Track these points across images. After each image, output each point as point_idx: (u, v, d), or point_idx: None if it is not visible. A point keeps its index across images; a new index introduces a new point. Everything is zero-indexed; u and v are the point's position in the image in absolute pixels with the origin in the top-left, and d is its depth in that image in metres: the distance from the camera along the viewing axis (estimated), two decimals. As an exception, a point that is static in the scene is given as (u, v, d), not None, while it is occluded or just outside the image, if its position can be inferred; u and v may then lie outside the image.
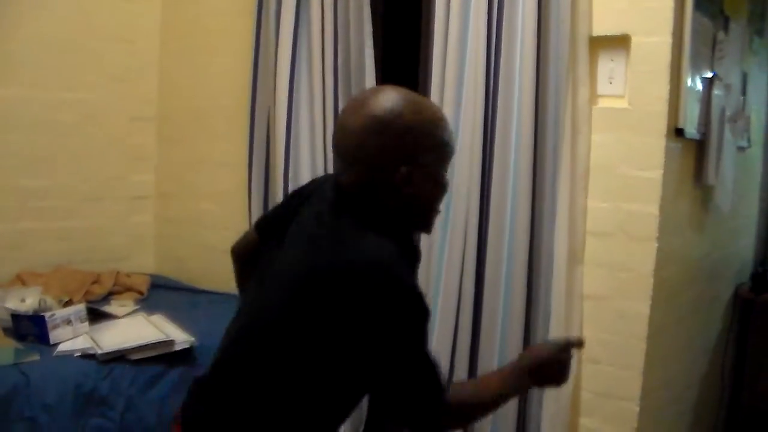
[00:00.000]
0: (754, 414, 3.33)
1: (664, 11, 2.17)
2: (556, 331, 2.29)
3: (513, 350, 2.38)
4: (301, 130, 2.93)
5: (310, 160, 2.93)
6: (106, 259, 3.54)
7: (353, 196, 1.44)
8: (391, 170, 1.40)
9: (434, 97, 2.50)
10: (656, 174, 2.19)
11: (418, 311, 1.36)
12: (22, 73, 3.26)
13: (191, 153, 3.60)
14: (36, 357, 2.45)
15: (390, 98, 1.42)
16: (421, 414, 1.40)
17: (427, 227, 1.56)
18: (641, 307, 2.25)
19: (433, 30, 2.51)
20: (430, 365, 1.38)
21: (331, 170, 2.91)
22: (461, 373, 2.51)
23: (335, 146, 1.48)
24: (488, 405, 1.53)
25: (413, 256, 1.52)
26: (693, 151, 2.49)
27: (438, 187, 1.50)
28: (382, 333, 1.33)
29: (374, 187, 1.42)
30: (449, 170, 1.57)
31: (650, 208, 2.20)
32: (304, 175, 2.93)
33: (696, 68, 2.36)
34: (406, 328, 1.35)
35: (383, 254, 1.35)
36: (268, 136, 3.07)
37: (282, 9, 2.96)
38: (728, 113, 2.66)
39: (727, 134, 2.64)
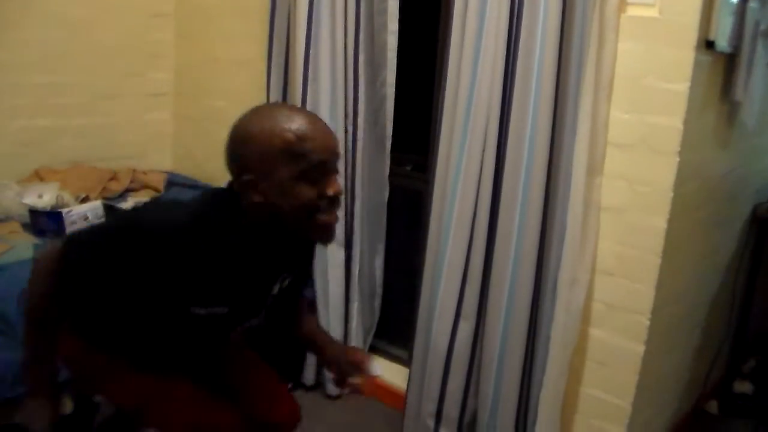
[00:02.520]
0: (762, 335, 3.36)
1: None
2: (571, 241, 2.28)
3: (527, 259, 2.39)
4: (321, 28, 2.87)
5: (330, 59, 2.88)
6: (123, 156, 3.55)
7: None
8: (237, 177, 1.53)
9: (458, 4, 2.43)
10: (683, 87, 2.14)
11: (128, 231, 1.53)
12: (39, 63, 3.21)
13: (209, 51, 3.55)
14: (54, 252, 2.47)
15: (252, 110, 1.57)
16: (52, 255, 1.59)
17: (306, 235, 1.61)
18: (658, 222, 2.23)
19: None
20: (96, 247, 1.55)
21: (350, 68, 2.88)
22: (475, 279, 2.53)
23: None
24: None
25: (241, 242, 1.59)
26: (722, 65, 2.42)
27: (288, 198, 1.51)
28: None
29: (236, 191, 1.56)
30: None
31: (674, 122, 2.16)
32: (323, 74, 2.89)
33: (731, -22, 2.27)
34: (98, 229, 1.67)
35: (175, 211, 1.56)
36: (288, 35, 3.01)
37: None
38: (762, 27, 2.57)
39: (760, 49, 2.56)
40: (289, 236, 1.62)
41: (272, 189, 1.51)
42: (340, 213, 2.95)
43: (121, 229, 1.55)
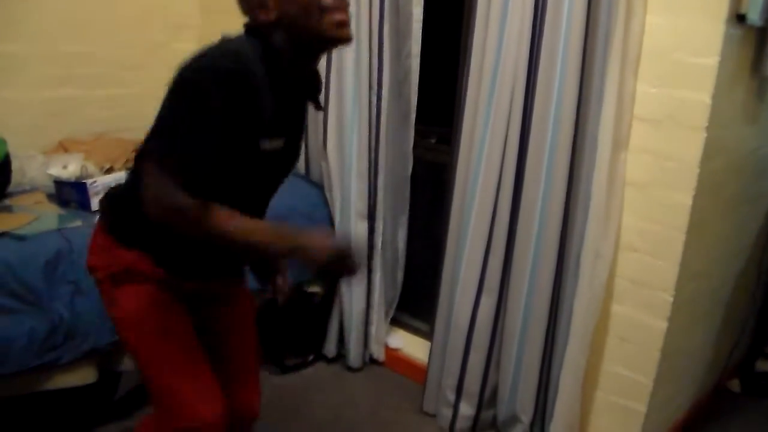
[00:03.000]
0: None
1: None
2: (595, 215, 2.26)
3: (550, 233, 2.38)
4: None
5: (355, 30, 2.85)
6: (147, 126, 3.53)
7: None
8: (248, 9, 1.61)
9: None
10: (712, 61, 2.10)
11: (204, 76, 1.43)
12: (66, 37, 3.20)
13: (234, 22, 3.51)
14: (78, 223, 2.50)
15: None
16: (159, 182, 1.47)
17: (323, 37, 1.57)
18: (684, 198, 2.21)
19: None
20: (198, 141, 1.44)
21: (375, 39, 2.86)
22: (498, 252, 2.53)
23: None
24: (239, 241, 1.55)
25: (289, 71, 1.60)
26: (753, 39, 2.37)
27: (294, 4, 1.54)
28: (171, 92, 1.49)
29: (252, 26, 1.61)
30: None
31: (702, 97, 2.12)
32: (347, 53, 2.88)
33: (765, -52, 2.22)
34: (189, 87, 1.45)
35: (214, 50, 1.49)
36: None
37: None
38: (795, 0, 2.52)
39: (792, 23, 2.51)
40: (310, 51, 1.64)
41: (280, 3, 1.55)
42: (363, 184, 2.97)
43: (195, 90, 1.44)
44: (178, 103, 1.46)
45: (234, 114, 1.45)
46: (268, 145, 1.59)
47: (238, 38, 1.58)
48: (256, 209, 1.77)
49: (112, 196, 1.82)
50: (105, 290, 1.78)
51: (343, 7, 1.57)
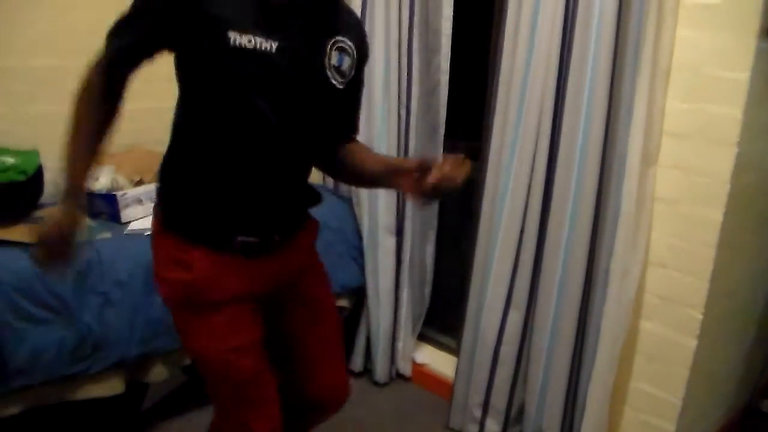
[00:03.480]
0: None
1: None
2: (624, 231, 2.24)
3: (578, 249, 2.36)
4: (375, 12, 2.85)
5: (384, 44, 2.87)
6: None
7: None
8: None
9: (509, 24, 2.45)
10: (743, 76, 2.08)
11: None
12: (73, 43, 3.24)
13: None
14: (108, 234, 2.53)
15: None
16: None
17: None
18: (714, 214, 2.18)
19: None
20: (122, 24, 1.59)
21: (404, 53, 2.87)
22: (526, 268, 2.51)
23: None
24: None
25: None
26: (785, 53, 2.35)
27: None
28: None
29: None
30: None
31: (734, 111, 2.10)
32: (377, 59, 2.87)
33: (797, -37, 2.20)
34: None
35: None
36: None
37: None
38: (827, 14, 2.49)
39: (824, 37, 2.48)
40: None
41: None
42: (391, 199, 2.97)
43: None
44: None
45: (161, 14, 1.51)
46: (242, 39, 1.48)
47: None
48: (270, 151, 1.63)
49: (160, 169, 1.79)
50: (177, 319, 1.74)
51: None
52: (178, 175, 1.69)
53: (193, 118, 1.63)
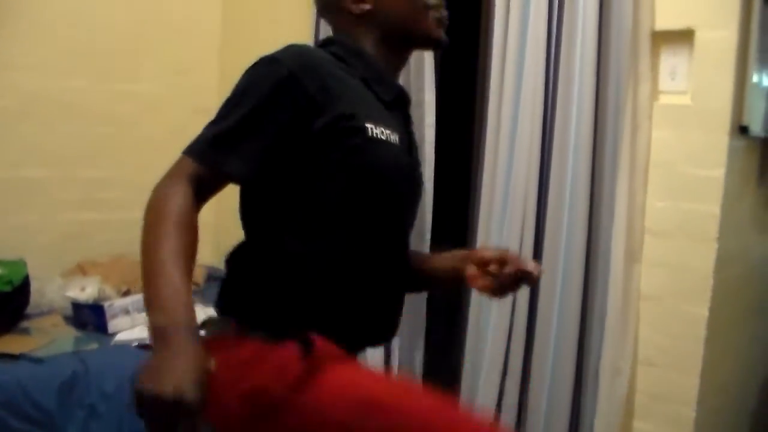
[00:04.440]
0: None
1: (729, 4, 2.11)
2: (611, 330, 2.25)
3: (567, 351, 2.35)
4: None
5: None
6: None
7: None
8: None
9: (493, 91, 2.49)
10: (718, 173, 2.14)
11: (262, 62, 1.33)
12: (84, 66, 3.33)
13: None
14: (95, 345, 2.50)
15: None
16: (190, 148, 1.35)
17: (421, 33, 1.47)
18: (700, 309, 2.20)
19: (493, 24, 2.49)
20: (233, 123, 1.31)
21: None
22: (515, 372, 2.49)
23: None
24: (144, 274, 1.18)
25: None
26: (758, 149, 2.42)
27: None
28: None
29: (335, 23, 1.51)
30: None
31: (711, 208, 2.15)
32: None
33: (763, 63, 2.29)
34: (245, 79, 1.35)
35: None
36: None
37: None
38: (796, 111, 2.57)
39: (795, 133, 2.55)
40: (398, 54, 1.50)
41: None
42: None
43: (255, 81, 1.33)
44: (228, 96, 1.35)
45: (291, 97, 1.29)
46: (378, 131, 1.36)
47: (323, 42, 1.49)
48: (395, 248, 1.47)
49: (240, 265, 1.47)
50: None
51: (442, 5, 1.48)
52: (273, 283, 1.37)
53: (297, 220, 1.37)
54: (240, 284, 1.43)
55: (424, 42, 1.51)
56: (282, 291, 1.36)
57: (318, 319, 1.34)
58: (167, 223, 1.22)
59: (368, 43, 1.45)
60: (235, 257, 1.49)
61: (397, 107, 1.50)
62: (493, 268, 1.41)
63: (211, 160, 1.31)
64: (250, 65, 1.35)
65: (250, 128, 1.30)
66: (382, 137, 1.35)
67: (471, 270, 1.45)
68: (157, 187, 1.28)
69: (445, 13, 1.48)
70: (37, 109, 3.18)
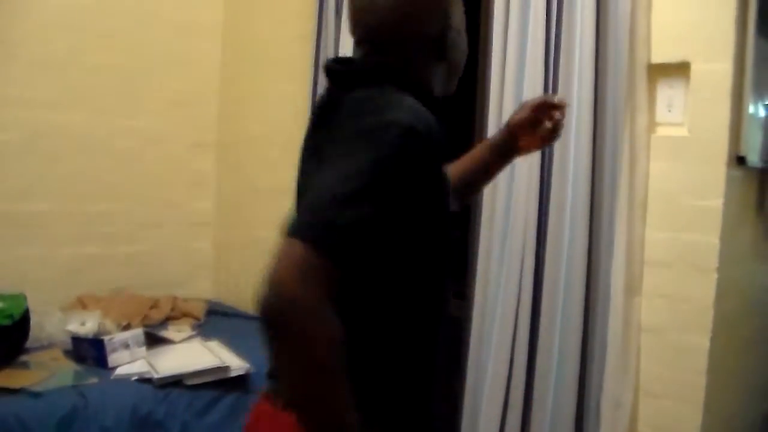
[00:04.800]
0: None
1: (724, 37, 2.13)
2: (613, 363, 2.24)
3: (569, 382, 2.34)
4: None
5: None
6: (164, 284, 3.60)
7: None
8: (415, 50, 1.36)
9: (491, 125, 2.51)
10: (717, 203, 2.14)
11: (406, 132, 1.13)
12: (85, 100, 3.36)
13: (250, 179, 3.64)
14: (94, 380, 2.50)
15: None
16: (297, 230, 1.06)
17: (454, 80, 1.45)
18: (701, 340, 2.19)
19: (491, 58, 2.52)
20: (355, 188, 1.07)
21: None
22: (516, 406, 2.48)
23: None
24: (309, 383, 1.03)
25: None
26: (756, 179, 2.43)
27: (462, 45, 1.43)
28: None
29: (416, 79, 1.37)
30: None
31: (711, 238, 2.15)
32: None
33: (758, 95, 2.31)
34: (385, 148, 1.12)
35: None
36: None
37: (340, 34, 3.00)
38: (792, 140, 2.59)
39: (792, 162, 2.57)
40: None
41: (417, 44, 1.32)
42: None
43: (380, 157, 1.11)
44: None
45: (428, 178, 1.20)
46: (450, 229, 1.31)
47: (392, 91, 1.24)
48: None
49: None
50: None
51: None
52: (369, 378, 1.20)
53: (403, 309, 1.26)
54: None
55: (436, 102, 1.36)
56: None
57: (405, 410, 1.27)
58: (322, 360, 1.02)
59: (440, 88, 1.42)
60: None
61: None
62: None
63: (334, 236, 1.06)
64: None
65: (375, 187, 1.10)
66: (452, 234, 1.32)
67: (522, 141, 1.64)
68: (294, 295, 1.00)
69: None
70: (39, 143, 3.22)
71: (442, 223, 1.27)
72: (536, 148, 1.72)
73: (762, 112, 2.38)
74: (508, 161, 1.75)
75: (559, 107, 1.63)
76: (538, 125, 1.63)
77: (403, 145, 1.12)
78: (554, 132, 1.65)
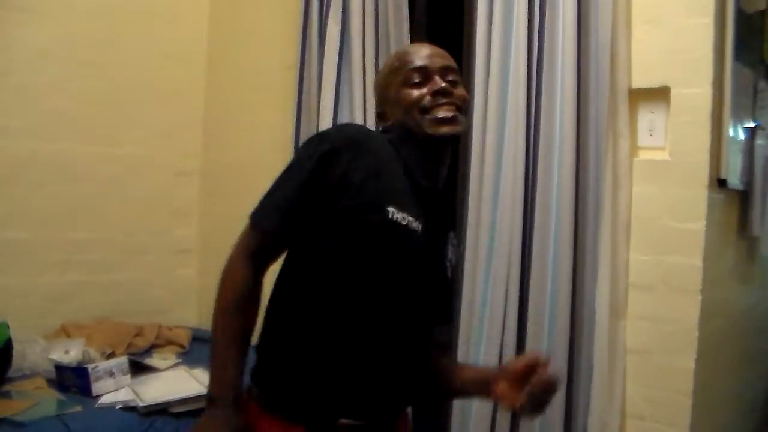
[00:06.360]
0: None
1: (703, 62, 2.17)
2: (599, 385, 2.25)
3: (555, 407, 2.34)
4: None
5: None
6: (148, 312, 3.57)
7: None
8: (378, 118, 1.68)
9: (474, 150, 2.52)
10: (699, 225, 2.17)
11: (312, 139, 1.54)
12: (69, 128, 3.35)
13: (234, 207, 3.59)
14: (78, 408, 2.47)
15: None
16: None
17: (428, 132, 1.53)
18: (686, 362, 2.20)
19: (473, 83, 2.54)
20: (281, 186, 1.53)
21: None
22: (503, 430, 2.47)
23: None
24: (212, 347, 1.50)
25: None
26: (737, 201, 2.46)
27: (400, 106, 1.57)
28: None
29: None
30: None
31: (694, 260, 2.17)
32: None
33: (737, 118, 2.35)
34: (299, 152, 1.57)
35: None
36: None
37: (324, 63, 3.01)
38: (772, 162, 2.63)
39: (772, 184, 2.60)
40: (429, 153, 1.57)
41: (391, 107, 1.59)
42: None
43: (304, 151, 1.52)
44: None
45: (330, 171, 1.45)
46: (399, 215, 1.47)
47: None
48: (394, 342, 1.52)
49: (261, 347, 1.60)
50: None
51: (444, 104, 1.54)
52: (285, 353, 1.54)
53: (312, 293, 1.51)
54: (261, 354, 1.60)
55: (430, 143, 1.55)
56: (277, 362, 1.54)
57: (300, 389, 1.50)
58: (225, 302, 1.50)
59: (400, 139, 1.58)
60: (265, 324, 1.60)
61: (439, 201, 1.61)
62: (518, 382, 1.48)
63: (257, 225, 1.53)
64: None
65: (290, 194, 1.50)
66: (403, 222, 1.46)
67: (501, 387, 1.52)
68: (227, 259, 1.54)
69: (443, 113, 1.53)
70: (21, 172, 3.20)
71: (363, 223, 1.46)
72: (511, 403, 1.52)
73: (741, 135, 2.42)
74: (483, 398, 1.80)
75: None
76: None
77: (307, 143, 1.53)
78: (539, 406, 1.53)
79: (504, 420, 2.48)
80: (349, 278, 1.48)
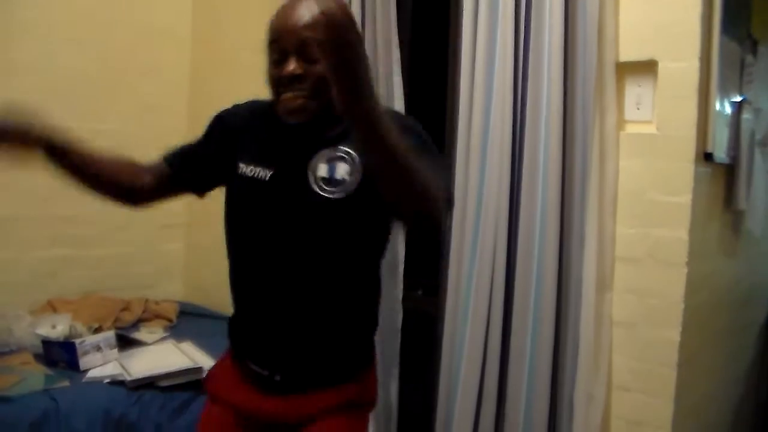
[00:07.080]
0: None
1: (690, 36, 2.16)
2: (585, 357, 2.26)
3: (541, 379, 2.36)
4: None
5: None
6: (135, 286, 3.57)
7: None
8: None
9: (461, 124, 2.52)
10: (685, 199, 2.18)
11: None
12: (54, 106, 3.30)
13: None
14: (66, 383, 2.47)
15: None
16: None
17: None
18: (671, 334, 2.22)
19: (460, 57, 2.53)
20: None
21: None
22: (490, 402, 2.49)
23: None
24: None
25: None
26: (723, 175, 2.47)
27: (266, 78, 1.65)
28: None
29: None
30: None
31: (680, 234, 2.18)
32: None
33: (724, 92, 2.35)
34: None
35: None
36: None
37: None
38: (758, 137, 2.64)
39: (758, 158, 2.62)
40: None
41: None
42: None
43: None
44: None
45: (210, 138, 1.83)
46: (246, 169, 1.67)
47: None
48: (273, 274, 1.63)
49: None
50: None
51: (290, 91, 1.53)
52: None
53: (225, 237, 1.77)
54: None
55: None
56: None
57: (230, 325, 1.79)
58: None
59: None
60: None
61: (302, 133, 1.61)
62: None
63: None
64: None
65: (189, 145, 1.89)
66: (249, 174, 1.66)
67: None
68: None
69: (289, 98, 1.54)
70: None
71: (228, 178, 1.74)
72: None
73: (728, 109, 2.42)
74: None
75: None
76: None
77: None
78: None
79: (488, 411, 2.50)
80: (228, 226, 1.74)
